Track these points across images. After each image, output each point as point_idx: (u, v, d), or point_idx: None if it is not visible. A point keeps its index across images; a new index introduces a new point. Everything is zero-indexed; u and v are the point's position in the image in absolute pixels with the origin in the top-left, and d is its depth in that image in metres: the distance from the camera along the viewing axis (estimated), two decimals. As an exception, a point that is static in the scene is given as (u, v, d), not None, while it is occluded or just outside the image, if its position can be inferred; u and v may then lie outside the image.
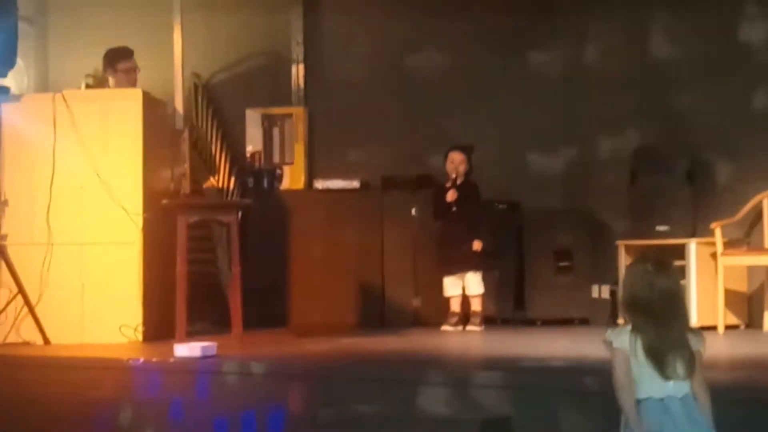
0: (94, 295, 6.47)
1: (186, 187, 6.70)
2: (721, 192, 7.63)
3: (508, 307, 7.97)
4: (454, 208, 7.52)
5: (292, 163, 8.67)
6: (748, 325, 7.42)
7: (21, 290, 6.35)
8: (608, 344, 3.49)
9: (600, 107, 8.05)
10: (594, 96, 8.08)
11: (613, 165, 7.92)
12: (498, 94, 8.28)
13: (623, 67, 8.01)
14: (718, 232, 7.19)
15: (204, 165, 8.45)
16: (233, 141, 8.65)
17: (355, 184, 8.29)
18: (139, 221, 6.49)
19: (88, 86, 7.54)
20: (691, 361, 3.35)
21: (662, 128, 7.81)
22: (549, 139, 8.16)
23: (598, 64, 8.11)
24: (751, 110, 7.54)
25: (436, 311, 7.68)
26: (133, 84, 7.57)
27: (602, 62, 8.08)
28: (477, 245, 7.44)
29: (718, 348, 5.94)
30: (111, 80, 7.27)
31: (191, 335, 6.46)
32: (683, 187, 7.67)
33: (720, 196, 7.62)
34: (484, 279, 7.52)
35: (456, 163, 7.59)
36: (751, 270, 7.45)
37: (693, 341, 3.39)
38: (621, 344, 3.44)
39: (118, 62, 7.17)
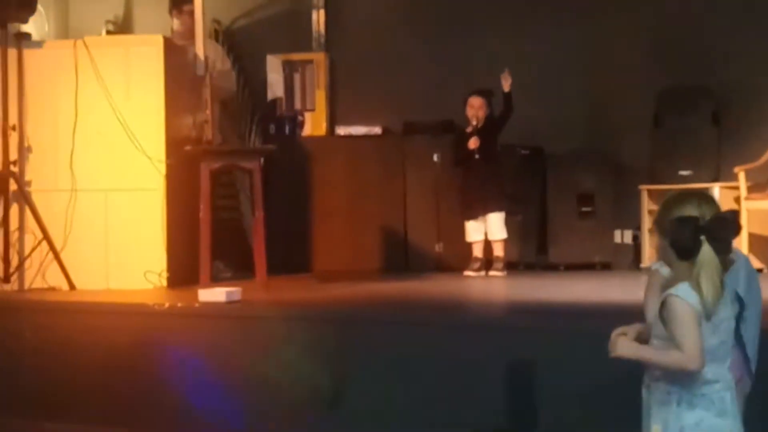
0: (118, 241, 6.49)
1: (208, 133, 6.68)
2: (746, 135, 7.57)
3: (531, 252, 7.98)
4: (477, 155, 7.49)
5: (313, 110, 8.66)
6: (772, 269, 7.40)
7: (46, 236, 6.38)
8: (650, 270, 3.50)
9: (624, 49, 7.97)
10: (618, 37, 8.00)
11: (637, 108, 7.85)
12: (521, 39, 8.21)
13: (649, 7, 7.92)
14: (742, 176, 7.15)
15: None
16: (254, 88, 8.63)
17: (377, 129, 8.28)
18: (162, 168, 6.49)
19: (108, 32, 7.52)
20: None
21: (688, 70, 7.73)
22: (572, 82, 8.10)
23: (623, 4, 8.01)
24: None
25: (458, 257, 7.68)
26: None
27: (627, 2, 7.99)
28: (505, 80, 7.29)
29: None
30: (176, 22, 7.24)
31: (215, 281, 6.49)
32: (708, 129, 7.62)
33: (744, 140, 7.55)
34: (507, 224, 7.51)
35: (476, 108, 7.55)
36: (775, 214, 7.42)
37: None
38: (662, 268, 3.45)
39: (183, 4, 7.15)
